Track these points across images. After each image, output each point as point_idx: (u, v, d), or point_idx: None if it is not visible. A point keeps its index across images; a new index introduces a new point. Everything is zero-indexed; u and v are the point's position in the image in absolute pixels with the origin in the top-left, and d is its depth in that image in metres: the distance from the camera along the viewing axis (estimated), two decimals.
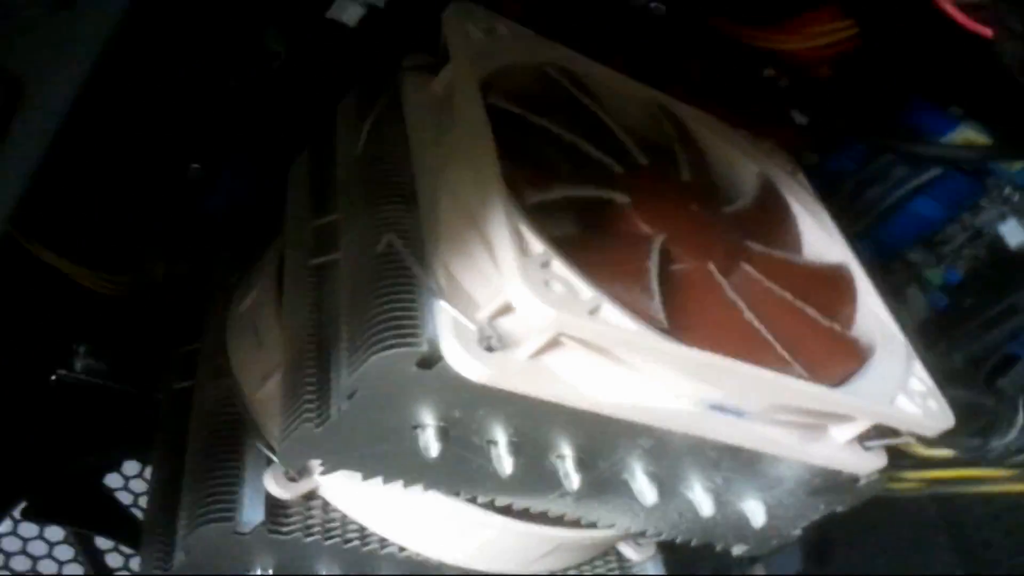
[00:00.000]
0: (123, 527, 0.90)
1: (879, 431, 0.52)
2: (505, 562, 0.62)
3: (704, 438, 0.50)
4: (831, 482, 0.55)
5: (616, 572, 0.68)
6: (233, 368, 0.65)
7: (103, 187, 0.72)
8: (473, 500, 0.55)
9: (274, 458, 0.57)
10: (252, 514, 0.56)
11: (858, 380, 0.51)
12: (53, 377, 0.76)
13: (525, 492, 0.52)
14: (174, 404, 0.71)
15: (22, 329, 0.73)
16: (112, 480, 0.96)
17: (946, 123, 0.69)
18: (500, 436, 0.48)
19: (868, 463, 0.53)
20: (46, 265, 0.70)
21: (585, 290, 0.43)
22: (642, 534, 0.59)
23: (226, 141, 0.74)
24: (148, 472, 0.93)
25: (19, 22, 0.30)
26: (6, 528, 0.92)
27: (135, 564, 0.93)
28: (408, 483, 0.50)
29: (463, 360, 0.43)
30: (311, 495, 0.58)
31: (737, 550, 0.61)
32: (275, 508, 0.57)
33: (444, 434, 0.46)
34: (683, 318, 0.49)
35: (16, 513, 0.85)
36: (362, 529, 0.59)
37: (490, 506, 0.55)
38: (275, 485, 0.56)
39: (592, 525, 0.57)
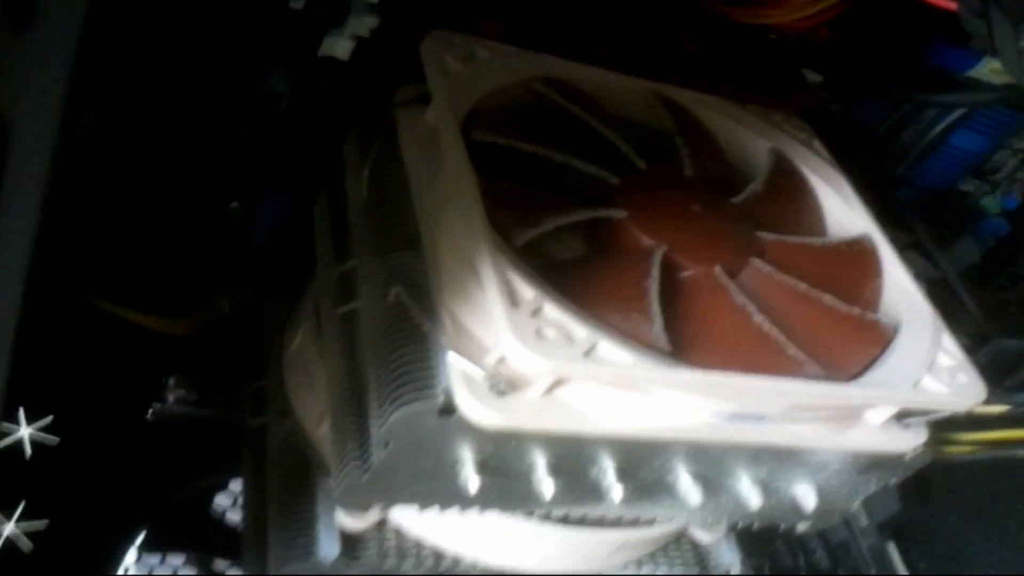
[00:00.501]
0: (234, 545, 0.97)
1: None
2: (576, 563, 0.64)
3: (732, 444, 0.51)
4: (876, 461, 0.55)
5: (690, 555, 0.70)
6: (294, 408, 0.69)
7: (152, 237, 0.77)
8: (530, 513, 0.57)
9: None
10: (328, 549, 0.60)
11: (882, 364, 0.50)
12: (150, 412, 0.82)
13: (575, 503, 0.54)
14: (251, 443, 0.75)
15: (110, 375, 0.79)
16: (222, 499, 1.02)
17: (968, 58, 0.66)
18: (537, 461, 0.50)
19: (908, 441, 0.53)
20: (116, 316, 0.76)
21: (579, 330, 0.44)
22: None
23: (258, 179, 0.78)
24: None
25: None
26: (131, 559, 1.00)
27: None
28: (462, 509, 0.53)
29: (476, 408, 0.45)
30: (383, 523, 0.61)
31: (801, 527, 0.62)
32: (350, 540, 0.60)
33: (482, 467, 0.49)
34: (692, 329, 0.50)
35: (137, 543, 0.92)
36: (436, 550, 0.62)
37: (547, 517, 0.57)
38: (346, 519, 0.60)
39: (650, 522, 0.59)
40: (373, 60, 0.65)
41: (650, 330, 0.47)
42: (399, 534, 0.62)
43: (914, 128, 0.70)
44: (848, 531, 0.86)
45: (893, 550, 0.87)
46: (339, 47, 0.68)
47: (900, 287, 0.55)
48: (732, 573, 0.68)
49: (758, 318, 0.49)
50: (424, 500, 0.52)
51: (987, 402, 0.52)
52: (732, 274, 0.52)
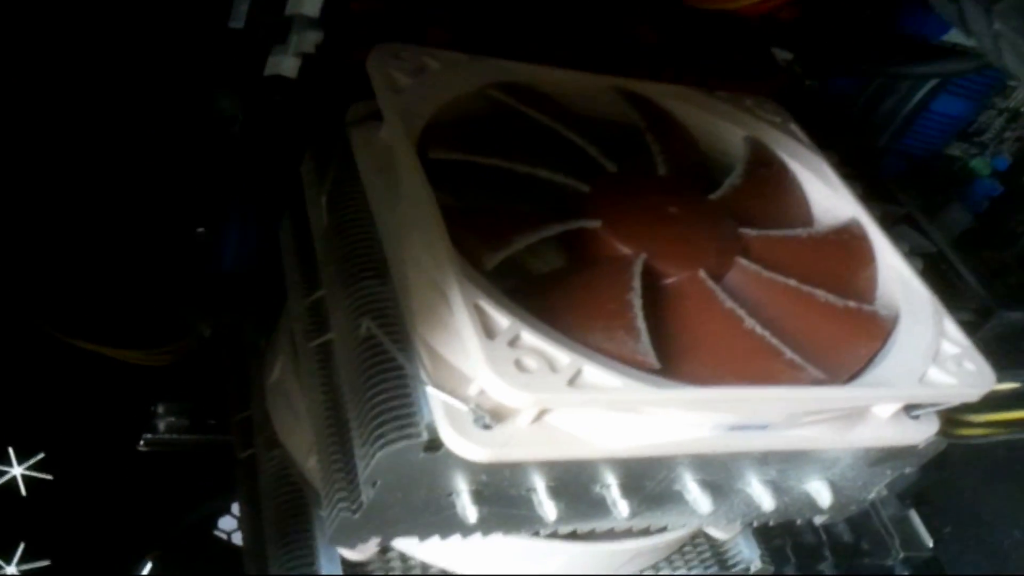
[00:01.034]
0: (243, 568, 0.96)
1: None
2: (591, 572, 0.63)
3: (737, 453, 0.49)
4: (888, 454, 0.54)
5: (707, 554, 0.68)
6: (281, 439, 0.67)
7: (121, 272, 0.77)
8: (537, 533, 0.56)
9: None
10: None
11: (884, 358, 0.49)
12: (142, 442, 0.80)
13: (581, 521, 0.53)
14: (244, 473, 0.74)
15: (96, 411, 0.79)
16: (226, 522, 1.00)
17: (943, 24, 0.64)
18: (536, 485, 0.48)
19: (919, 432, 0.52)
20: (95, 354, 0.76)
21: (561, 356, 0.43)
22: None
23: (222, 203, 0.77)
24: None
25: None
26: None
27: None
28: (464, 536, 0.51)
29: (462, 444, 0.44)
30: (385, 549, 0.60)
31: (817, 520, 0.61)
32: (353, 567, 0.59)
33: (479, 496, 0.47)
34: (681, 340, 0.48)
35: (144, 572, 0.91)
36: (442, 573, 0.60)
37: (555, 535, 0.55)
38: (347, 549, 0.57)
39: (662, 530, 0.58)
40: (324, 76, 0.63)
41: (637, 348, 0.45)
42: (404, 558, 0.60)
43: (894, 97, 0.68)
44: (869, 503, 0.86)
45: (915, 517, 0.87)
46: (285, 65, 0.66)
47: (895, 273, 0.53)
48: (752, 568, 0.67)
49: (749, 323, 0.48)
50: (423, 532, 0.50)
51: (998, 380, 0.51)
52: (717, 277, 0.51)
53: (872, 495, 0.59)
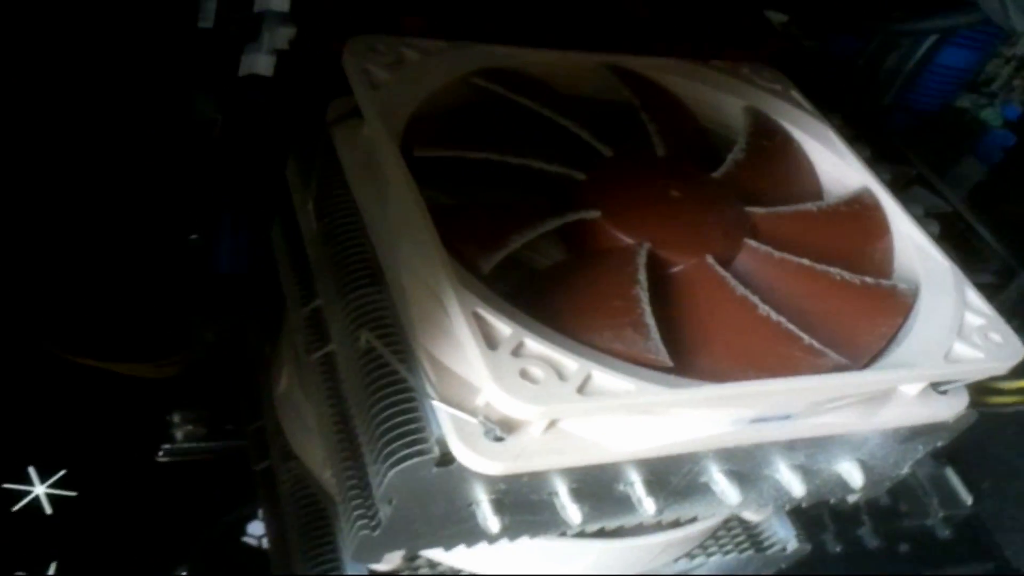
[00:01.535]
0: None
1: None
2: (622, 569, 0.62)
3: (761, 443, 0.48)
4: (918, 431, 0.52)
5: (742, 537, 0.67)
6: (295, 451, 0.66)
7: (118, 287, 0.77)
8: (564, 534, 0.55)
9: None
10: None
11: (907, 336, 0.47)
12: (160, 454, 0.80)
13: (607, 520, 0.51)
14: (263, 484, 0.73)
15: (110, 426, 0.79)
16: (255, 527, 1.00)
17: None
18: (558, 489, 0.47)
19: (949, 408, 0.50)
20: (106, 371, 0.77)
21: (568, 363, 0.41)
22: None
23: (212, 208, 0.76)
24: None
25: None
26: None
27: None
28: (491, 543, 0.50)
29: (474, 459, 0.42)
30: (413, 556, 0.58)
31: (851, 499, 0.60)
32: None
33: (500, 505, 0.46)
34: (693, 332, 0.46)
35: None
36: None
37: (584, 534, 0.54)
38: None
39: (692, 521, 0.57)
40: (301, 73, 0.61)
41: (647, 346, 0.43)
42: (432, 564, 0.59)
43: (897, 53, 0.66)
44: None
45: (952, 475, 0.86)
46: (260, 63, 0.65)
47: (911, 242, 0.51)
48: (788, 548, 0.66)
49: (763, 309, 0.46)
50: (447, 543, 0.49)
51: None
52: (726, 261, 0.49)
53: (906, 470, 0.58)
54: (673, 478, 0.49)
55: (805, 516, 0.67)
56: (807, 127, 0.57)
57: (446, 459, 0.43)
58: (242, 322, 0.81)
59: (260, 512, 0.78)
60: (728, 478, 0.50)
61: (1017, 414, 0.76)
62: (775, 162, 0.55)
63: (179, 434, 0.81)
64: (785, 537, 0.64)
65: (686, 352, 0.45)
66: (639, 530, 0.55)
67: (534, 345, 0.41)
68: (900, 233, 0.52)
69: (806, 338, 0.45)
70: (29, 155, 0.67)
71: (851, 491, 0.56)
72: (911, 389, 0.49)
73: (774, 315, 0.46)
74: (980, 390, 0.64)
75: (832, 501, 0.59)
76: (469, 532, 0.47)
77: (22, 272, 0.72)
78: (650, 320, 0.44)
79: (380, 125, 0.49)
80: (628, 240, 0.48)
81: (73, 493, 0.78)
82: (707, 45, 0.59)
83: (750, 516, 0.66)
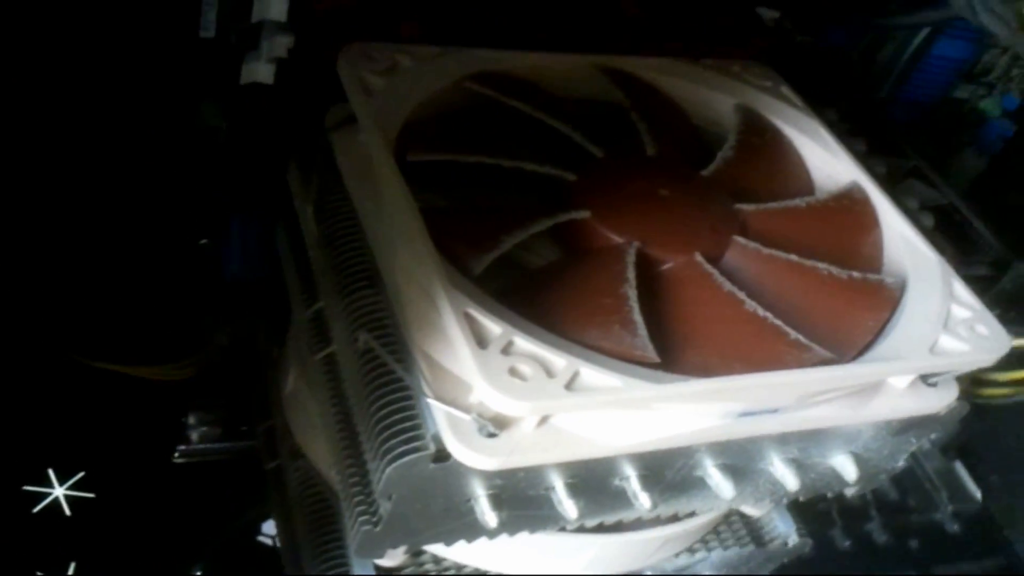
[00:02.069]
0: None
1: None
2: (624, 564, 0.63)
3: (751, 437, 0.49)
4: (910, 423, 0.53)
5: (743, 532, 0.68)
6: (303, 450, 0.68)
7: (132, 292, 0.79)
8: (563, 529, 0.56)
9: None
10: None
11: (894, 329, 0.48)
12: (176, 455, 0.82)
13: (604, 514, 0.53)
14: (274, 483, 0.75)
15: (126, 429, 0.81)
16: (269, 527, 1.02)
17: None
18: (554, 484, 0.48)
19: (938, 399, 0.51)
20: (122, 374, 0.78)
21: (557, 360, 0.42)
22: None
23: (222, 213, 0.78)
24: None
25: None
26: None
27: None
28: (490, 538, 0.52)
29: (469, 454, 0.44)
30: (417, 552, 0.60)
31: (849, 491, 0.60)
32: (388, 571, 0.60)
33: (497, 500, 0.47)
34: (681, 328, 0.48)
35: None
36: (476, 572, 0.61)
37: (583, 528, 0.55)
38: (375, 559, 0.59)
39: (691, 515, 0.58)
40: (300, 81, 0.63)
41: (635, 343, 0.45)
42: (437, 560, 0.61)
43: (891, 45, 0.67)
44: (911, 458, 0.86)
45: (961, 469, 0.87)
46: (260, 71, 0.66)
47: (900, 237, 0.52)
48: (789, 542, 0.67)
49: (750, 305, 0.47)
50: (447, 538, 0.51)
51: (1018, 335, 0.50)
52: (714, 258, 0.50)
53: (901, 463, 0.59)
54: (668, 472, 0.51)
55: (813, 511, 0.68)
56: (797, 123, 0.58)
57: (442, 455, 0.44)
58: (253, 324, 0.83)
59: (272, 511, 0.79)
60: (722, 472, 0.51)
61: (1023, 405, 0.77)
62: (765, 159, 0.56)
63: (195, 436, 0.83)
64: (786, 532, 0.66)
65: (674, 348, 0.46)
66: (638, 525, 0.56)
67: (523, 343, 0.42)
68: (889, 227, 0.53)
69: (792, 333, 0.46)
70: (46, 166, 0.69)
71: (846, 484, 0.57)
72: (900, 382, 0.50)
73: (761, 311, 0.47)
74: (975, 382, 0.65)
75: (829, 495, 0.60)
76: (469, 527, 0.48)
77: (41, 280, 0.74)
78: (638, 317, 0.45)
79: (374, 130, 0.50)
80: (617, 239, 0.50)
81: (91, 495, 0.80)
82: (698, 43, 0.60)
83: (750, 511, 0.67)
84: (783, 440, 0.51)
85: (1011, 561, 0.86)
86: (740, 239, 0.51)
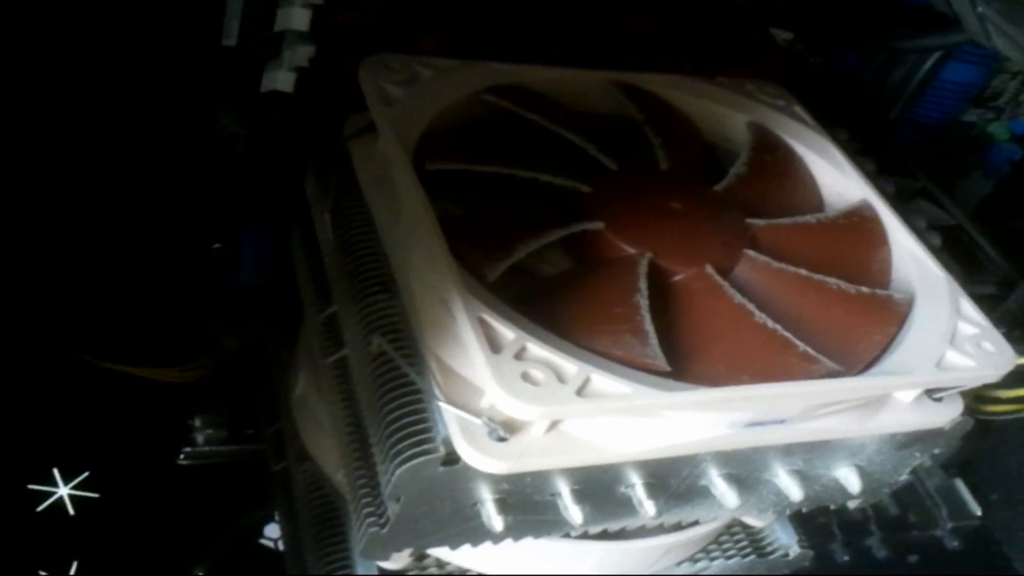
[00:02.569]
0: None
1: None
2: (625, 571, 0.64)
3: (758, 447, 0.50)
4: (914, 437, 0.54)
5: (745, 542, 0.69)
6: (311, 452, 0.68)
7: (145, 294, 0.80)
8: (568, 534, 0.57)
9: None
10: None
11: (901, 344, 0.49)
12: (181, 457, 0.83)
13: (609, 521, 0.54)
14: (280, 486, 0.76)
15: (132, 430, 0.82)
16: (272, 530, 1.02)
17: None
18: (560, 490, 0.49)
19: (943, 415, 0.52)
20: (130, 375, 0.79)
21: (568, 366, 0.43)
22: None
23: (235, 219, 0.79)
24: None
25: None
26: None
27: None
28: (495, 542, 0.52)
29: (478, 458, 0.45)
30: (421, 556, 0.61)
31: (852, 504, 0.61)
32: (391, 575, 0.60)
33: (503, 504, 0.48)
34: (691, 339, 0.48)
35: None
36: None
37: (587, 535, 0.56)
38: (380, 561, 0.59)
39: (694, 524, 0.58)
40: (320, 90, 0.64)
41: (645, 351, 0.45)
42: (440, 563, 0.62)
43: (902, 68, 0.68)
44: (912, 474, 0.86)
45: (961, 486, 0.87)
46: (281, 80, 0.68)
47: (909, 254, 0.53)
48: (791, 553, 0.67)
49: (759, 317, 0.48)
50: (453, 541, 0.51)
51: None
52: (725, 271, 0.51)
53: (904, 477, 0.60)
54: (673, 481, 0.51)
55: (813, 525, 0.68)
56: (809, 142, 0.59)
57: (451, 458, 0.45)
58: (262, 329, 0.83)
59: (276, 513, 0.80)
60: (727, 481, 0.52)
61: None
62: (777, 176, 0.57)
63: (200, 438, 0.83)
64: (787, 543, 0.66)
65: (684, 358, 0.47)
66: (642, 532, 0.57)
67: (536, 349, 0.43)
68: (898, 245, 0.54)
69: (800, 345, 0.47)
70: (60, 168, 0.70)
71: (849, 496, 0.57)
72: (905, 396, 0.51)
73: (770, 323, 0.48)
74: (978, 399, 0.65)
75: (832, 507, 0.61)
76: (474, 531, 0.49)
77: (51, 280, 0.75)
78: (649, 327, 0.46)
79: (393, 140, 0.51)
80: (630, 250, 0.51)
81: (96, 495, 0.81)
82: (712, 62, 0.61)
83: (753, 521, 0.67)
84: (788, 451, 0.52)
85: None
86: (751, 252, 0.52)
